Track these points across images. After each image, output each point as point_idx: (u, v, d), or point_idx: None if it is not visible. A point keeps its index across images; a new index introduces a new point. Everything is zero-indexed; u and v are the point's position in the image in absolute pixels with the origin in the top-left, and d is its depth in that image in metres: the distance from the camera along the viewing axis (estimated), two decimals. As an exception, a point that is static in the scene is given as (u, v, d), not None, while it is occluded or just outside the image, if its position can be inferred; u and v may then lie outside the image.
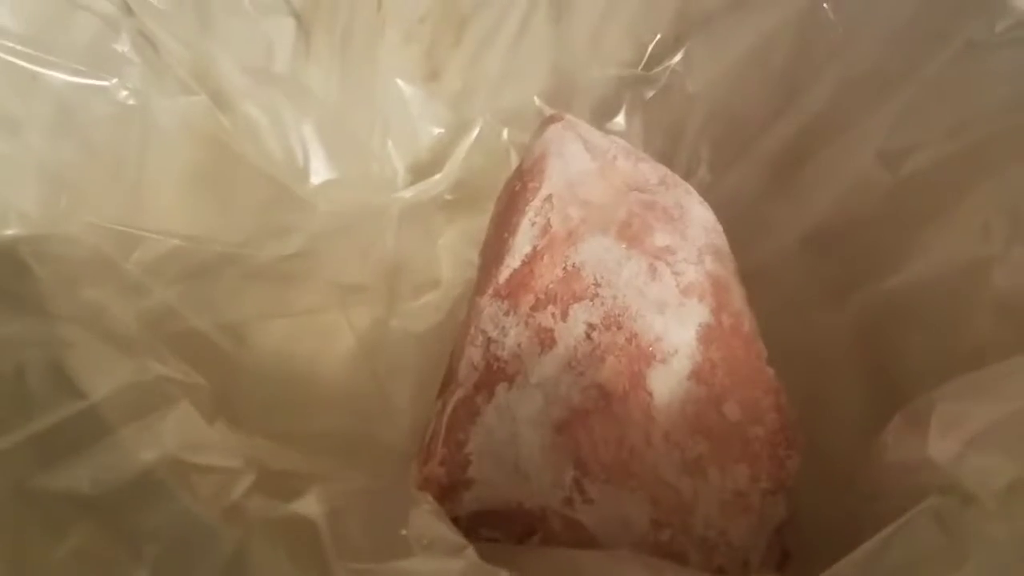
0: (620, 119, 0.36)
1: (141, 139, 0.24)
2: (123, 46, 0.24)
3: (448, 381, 0.28)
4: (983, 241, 0.24)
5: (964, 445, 0.18)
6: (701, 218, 0.30)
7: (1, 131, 0.21)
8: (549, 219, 0.28)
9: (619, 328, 0.26)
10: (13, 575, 0.14)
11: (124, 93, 0.23)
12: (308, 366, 0.27)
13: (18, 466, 0.15)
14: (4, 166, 0.20)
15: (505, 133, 0.36)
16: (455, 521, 0.26)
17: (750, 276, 0.29)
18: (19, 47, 0.21)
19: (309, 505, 0.16)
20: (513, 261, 0.27)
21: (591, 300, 0.26)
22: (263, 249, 0.26)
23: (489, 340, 0.27)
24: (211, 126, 0.25)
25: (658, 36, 0.34)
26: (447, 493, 0.26)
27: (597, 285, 0.27)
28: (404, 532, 0.19)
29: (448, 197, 0.34)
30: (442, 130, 0.36)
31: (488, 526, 0.26)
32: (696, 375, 0.26)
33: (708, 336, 0.27)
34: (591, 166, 0.29)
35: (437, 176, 0.33)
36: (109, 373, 0.16)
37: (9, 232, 0.19)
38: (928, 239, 0.26)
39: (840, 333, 0.30)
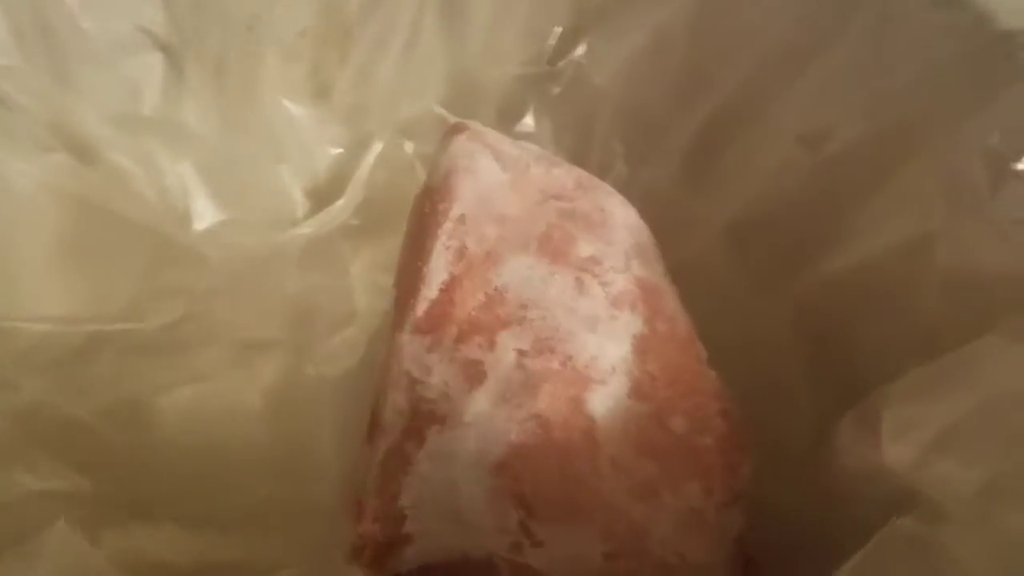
0: (528, 120, 0.34)
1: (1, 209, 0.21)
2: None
3: (372, 428, 0.26)
4: (921, 218, 0.23)
5: (922, 451, 0.17)
6: (624, 219, 0.28)
7: None
8: (464, 241, 0.26)
9: (552, 352, 0.24)
10: None
11: (-27, 159, 0.20)
12: (215, 436, 0.25)
13: None
14: None
15: (409, 147, 0.34)
16: (399, 578, 0.24)
17: (678, 273, 0.28)
18: None
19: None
20: (430, 292, 0.25)
21: (519, 325, 0.25)
22: (149, 317, 0.23)
23: (413, 380, 0.25)
24: (76, 185, 0.23)
25: (557, 29, 0.32)
26: (385, 551, 0.24)
27: (524, 307, 0.25)
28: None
29: (354, 222, 0.31)
30: (340, 150, 0.33)
31: (434, 580, 0.24)
32: (637, 392, 0.25)
33: (644, 347, 0.25)
34: (503, 178, 0.28)
35: (340, 202, 0.31)
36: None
37: None
38: (861, 220, 0.25)
39: (779, 322, 0.29)
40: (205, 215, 0.26)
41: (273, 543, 0.21)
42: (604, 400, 0.24)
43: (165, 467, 0.22)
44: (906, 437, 0.18)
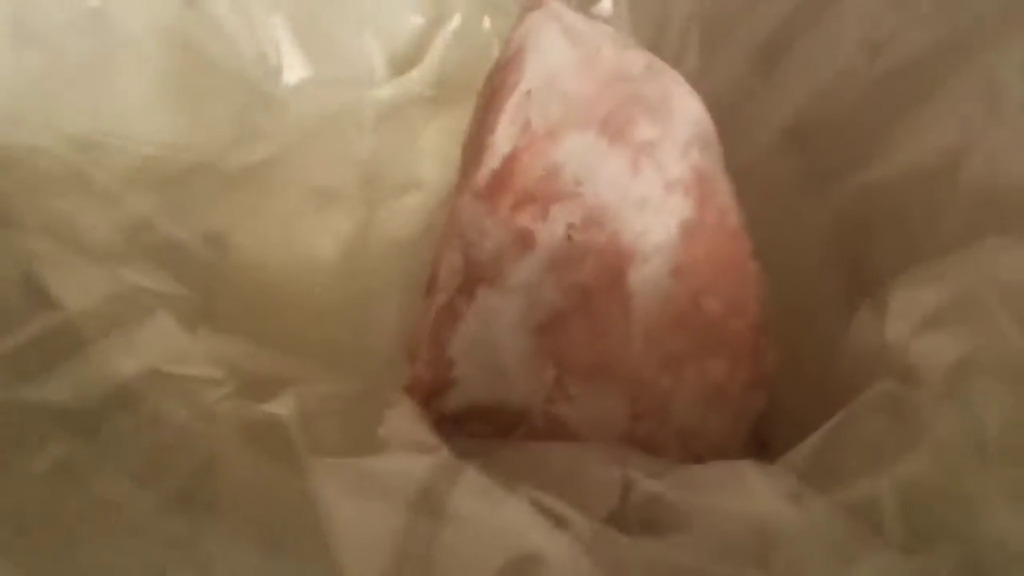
0: (607, 4, 0.34)
1: (106, 44, 0.23)
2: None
3: (431, 284, 0.28)
4: (960, 130, 0.23)
5: (916, 327, 0.18)
6: (688, 108, 0.29)
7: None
8: (529, 116, 0.27)
9: (599, 227, 0.26)
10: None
11: (91, -1, 0.22)
12: (290, 273, 0.27)
13: (-8, 381, 0.15)
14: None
15: (487, 22, 0.34)
16: (442, 419, 0.27)
17: (736, 170, 0.29)
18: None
19: (283, 406, 0.17)
20: (492, 162, 0.27)
21: (571, 199, 0.26)
22: (236, 156, 0.25)
23: (469, 243, 0.26)
24: (179, 28, 0.24)
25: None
26: (433, 392, 0.27)
27: (578, 183, 0.26)
28: (380, 431, 0.19)
29: (429, 93, 0.33)
30: (421, 20, 0.34)
31: (474, 422, 0.26)
32: (677, 272, 0.26)
33: (691, 231, 0.27)
34: (573, 57, 0.28)
35: (415, 71, 0.32)
36: (84, 285, 0.16)
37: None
38: (906, 130, 0.25)
39: (819, 228, 0.29)
40: (293, 68, 0.28)
41: (337, 370, 0.23)
42: (644, 276, 0.26)
43: (247, 293, 0.25)
44: (906, 316, 0.19)
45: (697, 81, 0.30)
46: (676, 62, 0.33)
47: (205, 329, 0.19)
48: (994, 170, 0.21)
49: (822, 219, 0.30)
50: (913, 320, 0.18)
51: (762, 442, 0.27)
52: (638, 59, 0.29)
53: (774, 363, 0.27)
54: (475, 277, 0.26)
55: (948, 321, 0.18)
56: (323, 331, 0.28)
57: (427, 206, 0.32)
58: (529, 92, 0.27)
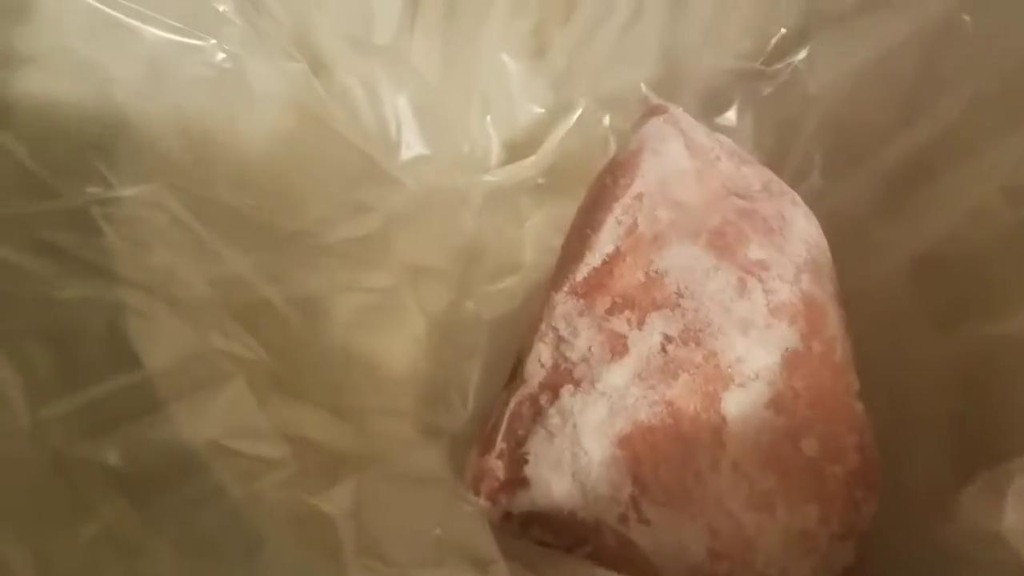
0: (731, 114, 0.34)
1: (232, 104, 0.24)
2: (224, 5, 0.23)
3: (514, 373, 0.27)
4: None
5: None
6: (804, 232, 0.28)
7: (89, 85, 0.21)
8: (636, 219, 0.26)
9: (697, 344, 0.25)
10: (33, 558, 0.14)
11: (221, 55, 0.23)
12: (374, 345, 0.27)
13: (59, 435, 0.15)
14: (90, 123, 0.20)
15: (607, 119, 0.34)
16: (507, 517, 0.25)
17: (851, 299, 0.27)
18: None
19: (337, 501, 0.16)
20: (593, 259, 0.26)
21: (671, 310, 0.25)
22: (340, 226, 0.26)
23: (560, 339, 0.26)
24: (306, 95, 0.25)
25: (783, 30, 0.31)
26: (502, 488, 0.26)
27: (679, 295, 0.25)
28: (438, 531, 0.18)
29: (540, 180, 0.33)
30: (542, 110, 0.34)
31: (540, 528, 0.25)
32: (776, 404, 0.24)
33: (794, 362, 0.25)
34: (689, 166, 0.28)
35: (531, 158, 0.32)
36: (167, 343, 0.17)
37: (87, 191, 0.19)
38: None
39: (938, 370, 0.27)
40: (411, 146, 0.29)
41: (404, 449, 0.23)
42: (740, 403, 0.24)
43: (330, 361, 0.25)
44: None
45: (818, 202, 0.29)
46: (797, 179, 0.32)
47: (278, 398, 0.18)
48: None
49: (940, 364, 0.28)
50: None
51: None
52: (756, 176, 0.28)
53: (868, 516, 0.25)
54: (562, 374, 0.25)
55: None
56: (397, 403, 0.27)
57: (522, 291, 0.32)
58: (640, 195, 0.27)
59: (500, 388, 0.28)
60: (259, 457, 0.16)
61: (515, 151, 0.34)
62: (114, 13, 0.21)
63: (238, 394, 0.17)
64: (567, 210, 0.31)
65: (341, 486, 0.16)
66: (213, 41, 0.23)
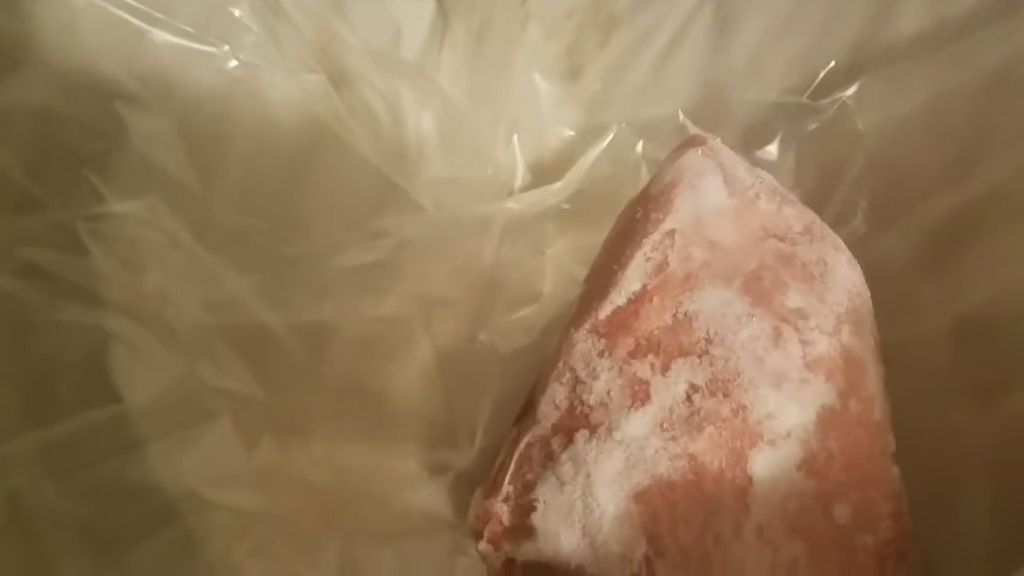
0: (772, 148, 0.32)
1: (243, 115, 0.22)
2: (240, 10, 0.22)
3: (526, 412, 0.26)
4: None
5: None
6: (847, 280, 0.26)
7: (89, 90, 0.20)
8: (667, 256, 0.25)
9: (725, 396, 0.23)
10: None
11: (234, 63, 0.22)
12: (379, 377, 0.26)
13: (19, 475, 0.13)
14: (86, 132, 0.19)
15: (640, 145, 0.33)
16: (509, 564, 0.24)
17: (891, 354, 0.25)
18: (130, 1, 0.20)
19: (326, 562, 0.15)
20: (618, 297, 0.25)
21: (699, 358, 0.23)
22: (350, 250, 0.24)
23: (577, 380, 0.24)
24: (323, 109, 0.24)
25: (832, 64, 0.30)
26: (506, 534, 0.24)
27: (709, 342, 0.23)
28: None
29: (565, 207, 0.31)
30: (572, 133, 0.33)
31: (543, 580, 0.24)
32: (807, 465, 0.23)
33: (830, 421, 0.23)
34: (727, 203, 0.26)
35: (558, 184, 0.31)
36: (150, 375, 0.15)
37: (75, 205, 0.17)
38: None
39: (980, 439, 0.26)
40: (432, 166, 0.27)
41: (406, 488, 0.21)
42: (769, 463, 0.22)
43: (330, 389, 0.24)
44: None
45: (861, 247, 0.27)
46: (840, 221, 0.31)
47: (271, 437, 0.17)
48: None
49: (983, 431, 0.26)
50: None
51: None
52: (798, 217, 0.27)
53: (901, 593, 0.23)
54: (577, 418, 0.24)
55: None
56: (402, 443, 0.26)
57: (540, 322, 0.30)
58: (673, 232, 0.25)
59: (511, 425, 0.26)
60: (240, 510, 0.15)
61: (541, 175, 0.32)
62: (122, 14, 0.20)
63: (223, 436, 0.16)
64: (592, 239, 0.29)
65: (327, 549, 0.15)
66: (227, 48, 0.22)
